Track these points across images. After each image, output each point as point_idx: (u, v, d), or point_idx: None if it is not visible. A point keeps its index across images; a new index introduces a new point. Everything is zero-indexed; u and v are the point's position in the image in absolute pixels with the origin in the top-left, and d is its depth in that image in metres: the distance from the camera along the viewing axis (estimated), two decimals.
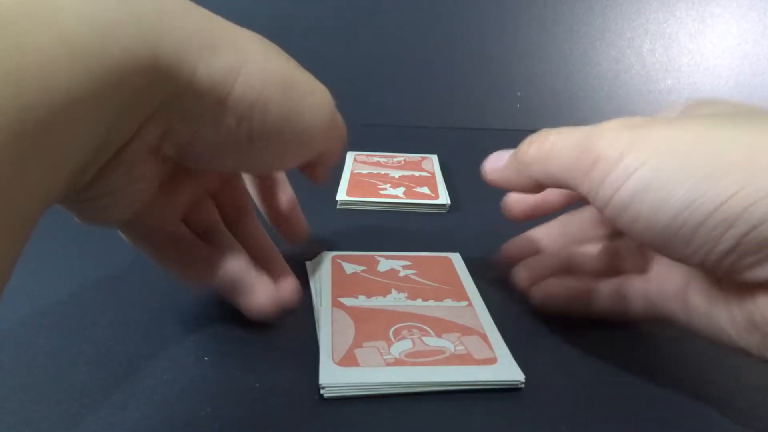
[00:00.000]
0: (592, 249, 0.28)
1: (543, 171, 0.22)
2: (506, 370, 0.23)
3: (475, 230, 0.38)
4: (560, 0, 0.68)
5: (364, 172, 0.47)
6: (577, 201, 0.29)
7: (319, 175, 0.27)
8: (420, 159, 0.51)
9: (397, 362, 0.23)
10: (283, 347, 0.25)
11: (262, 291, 0.25)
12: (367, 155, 0.51)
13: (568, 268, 0.28)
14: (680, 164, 0.18)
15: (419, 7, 0.68)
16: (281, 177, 0.30)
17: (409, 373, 0.23)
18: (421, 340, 0.25)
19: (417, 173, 0.47)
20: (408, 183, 0.44)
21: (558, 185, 0.22)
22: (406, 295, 0.29)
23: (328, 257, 0.32)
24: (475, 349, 0.24)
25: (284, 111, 0.21)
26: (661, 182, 0.18)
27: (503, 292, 0.30)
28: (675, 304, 0.23)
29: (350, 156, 0.50)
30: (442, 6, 0.68)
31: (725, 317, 0.20)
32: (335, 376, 0.22)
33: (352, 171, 0.47)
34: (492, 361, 0.24)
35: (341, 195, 0.41)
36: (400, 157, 0.51)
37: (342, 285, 0.29)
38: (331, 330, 0.25)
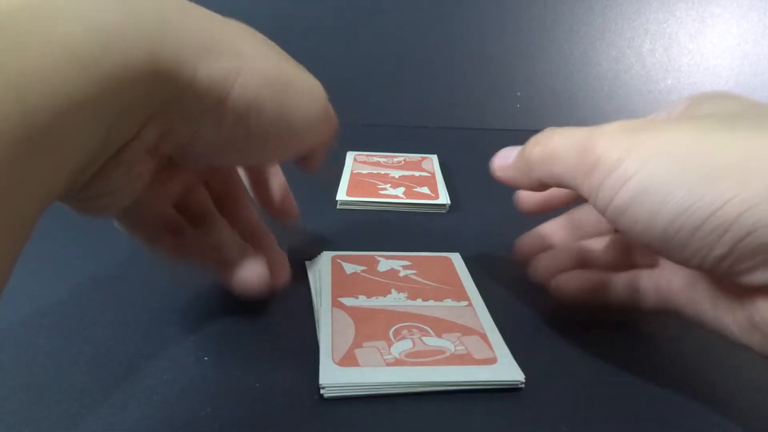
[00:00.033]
0: (603, 243, 0.28)
1: (547, 172, 0.22)
2: (506, 370, 0.23)
3: (475, 230, 0.38)
4: (560, 0, 0.68)
5: (364, 172, 0.47)
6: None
7: (312, 166, 0.28)
8: (420, 159, 0.51)
9: (397, 362, 0.23)
10: (283, 347, 0.25)
11: (252, 269, 0.25)
12: (367, 155, 0.51)
13: (583, 261, 0.28)
14: (676, 169, 0.18)
15: (419, 7, 0.68)
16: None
17: (409, 373, 0.23)
18: (421, 340, 0.25)
19: (417, 173, 0.47)
20: (408, 183, 0.44)
21: (561, 186, 0.22)
22: (406, 295, 0.29)
23: (328, 257, 0.32)
24: (475, 349, 0.24)
25: (280, 109, 0.21)
26: (658, 187, 0.18)
27: (503, 292, 0.30)
28: (683, 299, 0.23)
29: (350, 156, 0.50)
30: (442, 6, 0.68)
31: (728, 315, 0.20)
32: (335, 376, 0.22)
33: (352, 171, 0.47)
34: (492, 361, 0.24)
35: (341, 195, 0.41)
36: (400, 157, 0.51)
37: (342, 285, 0.29)
38: (331, 330, 0.25)
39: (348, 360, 0.23)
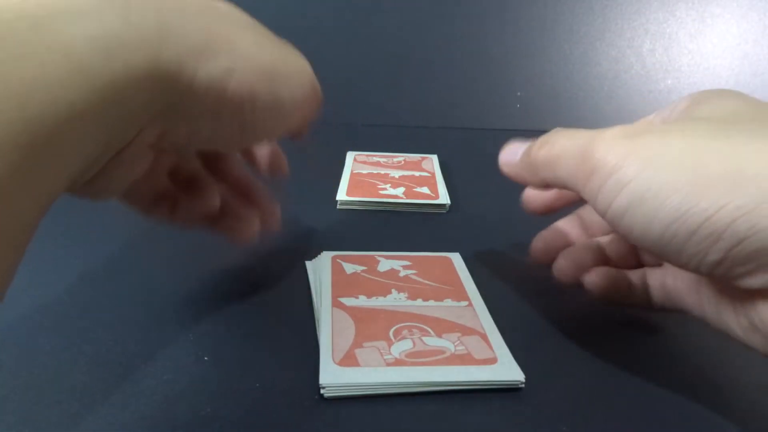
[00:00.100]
0: (612, 241, 0.29)
1: (550, 174, 0.23)
2: (506, 370, 0.23)
3: (475, 230, 0.38)
4: (560, 0, 0.68)
5: (364, 172, 0.47)
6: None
7: (300, 135, 0.28)
8: (420, 159, 0.51)
9: (398, 362, 0.23)
10: (283, 347, 0.25)
11: (242, 224, 0.27)
12: (367, 155, 0.51)
13: (602, 258, 0.28)
14: (672, 176, 0.18)
15: (419, 7, 0.68)
16: None
17: (409, 373, 0.23)
18: (422, 340, 0.25)
19: (417, 173, 0.47)
20: (408, 183, 0.44)
21: (564, 188, 0.23)
22: (406, 295, 0.29)
23: (328, 257, 0.32)
24: (475, 349, 0.24)
25: (272, 97, 0.21)
26: (654, 193, 0.19)
27: (503, 292, 0.30)
28: (688, 299, 0.23)
29: (350, 156, 0.50)
30: (442, 6, 0.68)
31: (731, 317, 0.21)
32: (335, 376, 0.22)
33: (352, 171, 0.47)
34: (492, 361, 0.24)
35: (341, 195, 0.41)
36: (400, 157, 0.51)
37: (342, 285, 0.29)
38: (331, 330, 0.25)
39: (348, 360, 0.23)
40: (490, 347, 0.25)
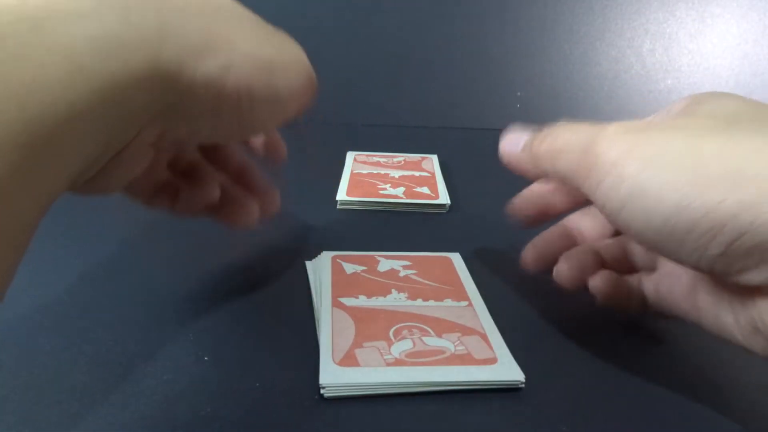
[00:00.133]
0: (607, 245, 0.28)
1: (551, 167, 0.23)
2: (506, 370, 0.23)
3: (475, 230, 0.38)
4: (560, 0, 0.68)
5: (364, 172, 0.47)
6: (579, 206, 0.29)
7: (291, 121, 0.28)
8: (420, 159, 0.51)
9: (398, 362, 0.23)
10: (283, 347, 0.25)
11: (242, 210, 0.28)
12: (367, 155, 0.51)
13: (601, 263, 0.28)
14: (672, 173, 0.18)
15: (419, 7, 0.68)
16: None
17: (409, 373, 0.23)
18: (422, 340, 0.25)
19: (417, 173, 0.47)
20: (408, 183, 0.44)
21: (564, 182, 0.23)
22: (406, 295, 0.29)
23: (328, 257, 0.32)
24: (475, 349, 0.24)
25: (269, 90, 0.21)
26: (653, 189, 0.19)
27: (503, 292, 0.30)
28: (684, 304, 0.23)
29: (350, 156, 0.50)
30: (442, 6, 0.68)
31: (731, 320, 0.20)
32: (335, 376, 0.22)
33: (352, 171, 0.47)
34: (492, 361, 0.24)
35: (341, 195, 0.41)
36: (400, 157, 0.51)
37: (342, 285, 0.29)
38: (331, 330, 0.25)
39: (348, 360, 0.23)
40: (490, 347, 0.25)
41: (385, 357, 0.23)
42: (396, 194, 0.42)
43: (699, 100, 0.22)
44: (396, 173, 0.47)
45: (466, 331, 0.26)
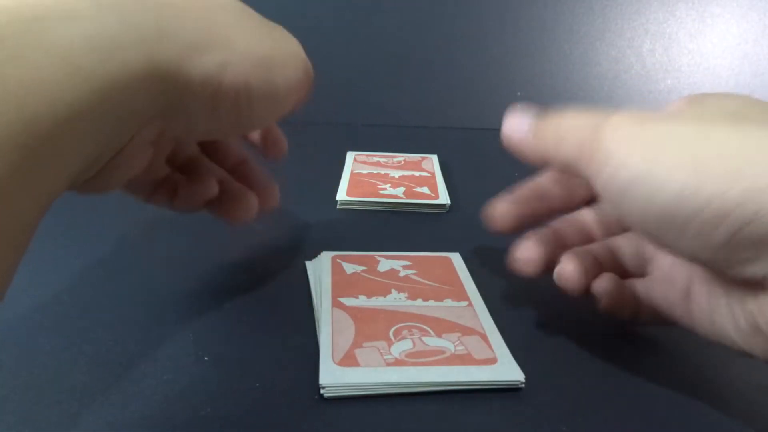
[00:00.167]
0: (599, 247, 0.27)
1: (553, 153, 0.22)
2: (506, 370, 0.23)
3: (475, 230, 0.38)
4: (560, 0, 0.68)
5: (364, 172, 0.47)
6: (560, 213, 0.28)
7: (289, 114, 0.28)
8: (420, 159, 0.51)
9: (398, 362, 0.23)
10: (283, 347, 0.25)
11: (240, 204, 0.28)
12: (367, 155, 0.51)
13: (601, 266, 0.26)
14: (677, 160, 0.18)
15: (419, 7, 0.68)
16: None
17: (409, 373, 0.23)
18: (422, 340, 0.25)
19: (417, 173, 0.47)
20: (408, 183, 0.44)
21: (566, 168, 0.22)
22: (406, 295, 0.29)
23: (328, 257, 0.32)
24: (475, 349, 0.24)
25: (266, 86, 0.21)
26: (656, 176, 0.18)
27: (503, 292, 0.30)
28: (678, 308, 0.23)
29: (350, 156, 0.50)
30: (442, 6, 0.68)
31: (728, 323, 0.20)
32: (335, 376, 0.22)
33: (352, 171, 0.47)
34: (492, 361, 0.24)
35: (341, 195, 0.41)
36: (400, 157, 0.51)
37: (342, 285, 0.29)
38: (331, 330, 0.25)
39: (348, 360, 0.23)
40: (490, 347, 0.25)
41: (385, 357, 0.23)
42: (396, 194, 0.42)
43: (702, 98, 0.22)
44: (396, 173, 0.47)
45: (466, 331, 0.26)
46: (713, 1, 0.67)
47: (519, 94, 0.68)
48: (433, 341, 0.25)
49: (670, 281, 0.23)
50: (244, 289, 0.29)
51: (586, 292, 0.25)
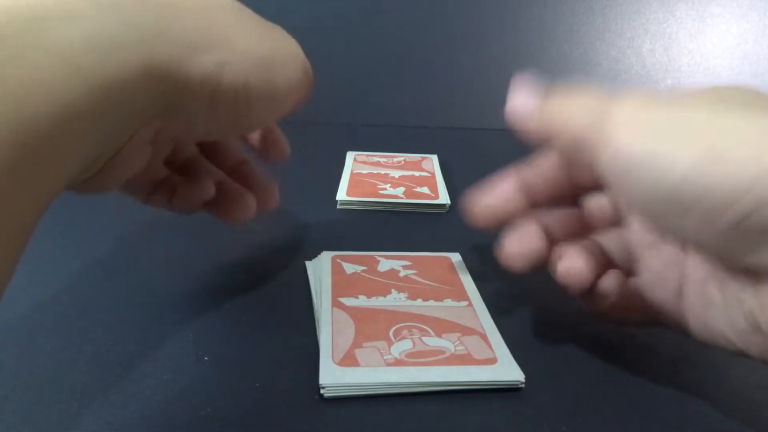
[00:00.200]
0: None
1: (558, 133, 0.22)
2: (506, 370, 0.23)
3: (475, 230, 0.38)
4: (560, 0, 0.68)
5: (364, 172, 0.47)
6: (544, 208, 0.27)
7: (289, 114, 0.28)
8: (420, 159, 0.51)
9: (398, 362, 0.23)
10: (283, 347, 0.25)
11: (238, 205, 0.28)
12: (367, 155, 0.51)
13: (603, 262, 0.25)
14: (685, 140, 0.18)
15: (419, 7, 0.68)
16: None
17: (409, 373, 0.23)
18: (422, 340, 0.25)
19: (417, 173, 0.47)
20: (408, 183, 0.44)
21: (570, 149, 0.22)
22: (406, 295, 0.29)
23: (328, 257, 0.32)
24: (475, 349, 0.24)
25: (266, 86, 0.21)
26: (664, 155, 0.18)
27: (503, 292, 0.30)
28: (669, 305, 0.23)
29: (350, 156, 0.50)
30: (442, 6, 0.68)
31: (723, 321, 0.20)
32: (335, 376, 0.22)
33: (352, 171, 0.47)
34: (492, 361, 0.24)
35: (341, 195, 0.41)
36: (400, 157, 0.51)
37: (342, 285, 0.29)
38: (331, 330, 0.25)
39: (348, 360, 0.23)
40: (490, 347, 0.25)
41: (385, 357, 0.23)
42: (396, 194, 0.42)
43: (712, 88, 0.22)
44: (396, 173, 0.47)
45: (466, 331, 0.26)
46: (713, 1, 0.67)
47: None
48: (433, 341, 0.25)
49: (660, 281, 0.23)
50: (244, 289, 0.29)
51: (588, 291, 0.24)
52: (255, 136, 0.30)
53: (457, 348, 0.24)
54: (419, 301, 0.28)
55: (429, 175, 0.47)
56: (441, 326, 0.26)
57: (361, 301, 0.28)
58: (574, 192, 0.26)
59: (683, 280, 0.22)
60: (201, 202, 0.27)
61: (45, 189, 0.15)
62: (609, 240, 0.26)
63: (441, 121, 0.66)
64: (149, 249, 0.34)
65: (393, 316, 0.27)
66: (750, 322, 0.19)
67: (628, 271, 0.25)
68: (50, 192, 0.16)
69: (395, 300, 0.28)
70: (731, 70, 0.68)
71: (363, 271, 0.31)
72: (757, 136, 0.17)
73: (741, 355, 0.20)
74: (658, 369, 0.25)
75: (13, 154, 0.13)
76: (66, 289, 0.29)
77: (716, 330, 0.20)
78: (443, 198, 0.42)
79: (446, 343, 0.25)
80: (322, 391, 0.22)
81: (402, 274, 0.31)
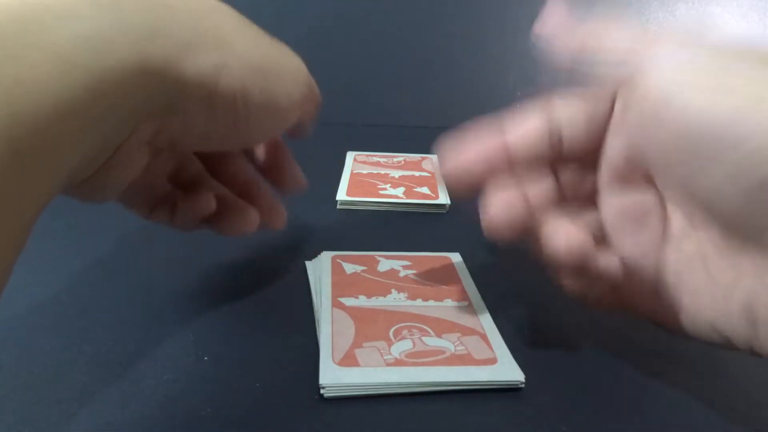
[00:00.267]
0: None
1: (586, 64, 0.21)
2: (506, 370, 0.23)
3: (475, 230, 0.38)
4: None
5: (364, 172, 0.47)
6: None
7: (299, 135, 0.28)
8: (420, 159, 0.51)
9: (397, 362, 0.23)
10: (283, 347, 0.25)
11: (243, 217, 0.27)
12: (367, 155, 0.51)
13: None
14: (726, 86, 0.17)
15: (419, 7, 0.68)
16: None
17: (409, 373, 0.23)
18: (421, 341, 0.25)
19: (417, 173, 0.47)
20: (408, 183, 0.44)
21: (589, 82, 0.21)
22: (406, 295, 0.29)
23: (328, 257, 0.32)
24: (475, 349, 0.24)
25: (265, 94, 0.21)
26: (702, 95, 0.17)
27: (503, 292, 0.30)
28: (648, 301, 0.22)
29: (350, 156, 0.50)
30: (442, 6, 0.68)
31: (714, 307, 0.19)
32: (335, 376, 0.22)
33: (352, 171, 0.47)
34: (492, 361, 0.24)
35: (341, 195, 0.41)
36: (400, 157, 0.51)
37: (342, 285, 0.29)
38: (331, 330, 0.25)
39: (348, 360, 0.23)
40: (490, 347, 0.25)
41: (385, 357, 0.23)
42: (396, 194, 0.42)
43: (748, 48, 0.21)
44: (396, 173, 0.47)
45: (466, 331, 0.26)
46: (713, 1, 0.67)
47: (519, 94, 0.68)
48: (433, 341, 0.25)
49: (638, 266, 0.22)
50: (244, 289, 0.29)
51: (580, 270, 0.22)
52: (270, 165, 0.29)
53: (457, 348, 0.24)
54: (419, 301, 0.28)
55: (429, 175, 0.47)
56: (441, 326, 0.26)
57: (361, 301, 0.28)
58: (552, 162, 0.24)
59: (661, 266, 0.21)
60: (202, 215, 0.27)
61: (43, 187, 0.15)
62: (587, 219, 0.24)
63: (441, 121, 0.66)
64: (149, 249, 0.34)
65: (393, 316, 0.27)
66: (747, 308, 0.18)
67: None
68: (48, 190, 0.16)
69: (395, 300, 0.28)
70: None
71: (363, 271, 0.31)
72: None
73: (726, 345, 0.19)
74: (658, 369, 0.25)
75: (9, 150, 0.13)
76: (66, 289, 0.29)
77: (702, 316, 0.20)
78: (443, 198, 0.42)
79: (446, 343, 0.25)
80: (322, 391, 0.22)
81: (402, 274, 0.31)
